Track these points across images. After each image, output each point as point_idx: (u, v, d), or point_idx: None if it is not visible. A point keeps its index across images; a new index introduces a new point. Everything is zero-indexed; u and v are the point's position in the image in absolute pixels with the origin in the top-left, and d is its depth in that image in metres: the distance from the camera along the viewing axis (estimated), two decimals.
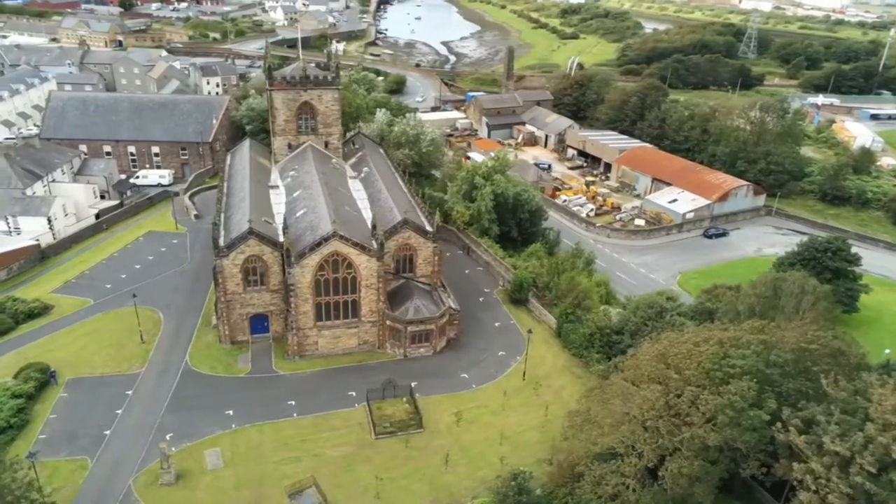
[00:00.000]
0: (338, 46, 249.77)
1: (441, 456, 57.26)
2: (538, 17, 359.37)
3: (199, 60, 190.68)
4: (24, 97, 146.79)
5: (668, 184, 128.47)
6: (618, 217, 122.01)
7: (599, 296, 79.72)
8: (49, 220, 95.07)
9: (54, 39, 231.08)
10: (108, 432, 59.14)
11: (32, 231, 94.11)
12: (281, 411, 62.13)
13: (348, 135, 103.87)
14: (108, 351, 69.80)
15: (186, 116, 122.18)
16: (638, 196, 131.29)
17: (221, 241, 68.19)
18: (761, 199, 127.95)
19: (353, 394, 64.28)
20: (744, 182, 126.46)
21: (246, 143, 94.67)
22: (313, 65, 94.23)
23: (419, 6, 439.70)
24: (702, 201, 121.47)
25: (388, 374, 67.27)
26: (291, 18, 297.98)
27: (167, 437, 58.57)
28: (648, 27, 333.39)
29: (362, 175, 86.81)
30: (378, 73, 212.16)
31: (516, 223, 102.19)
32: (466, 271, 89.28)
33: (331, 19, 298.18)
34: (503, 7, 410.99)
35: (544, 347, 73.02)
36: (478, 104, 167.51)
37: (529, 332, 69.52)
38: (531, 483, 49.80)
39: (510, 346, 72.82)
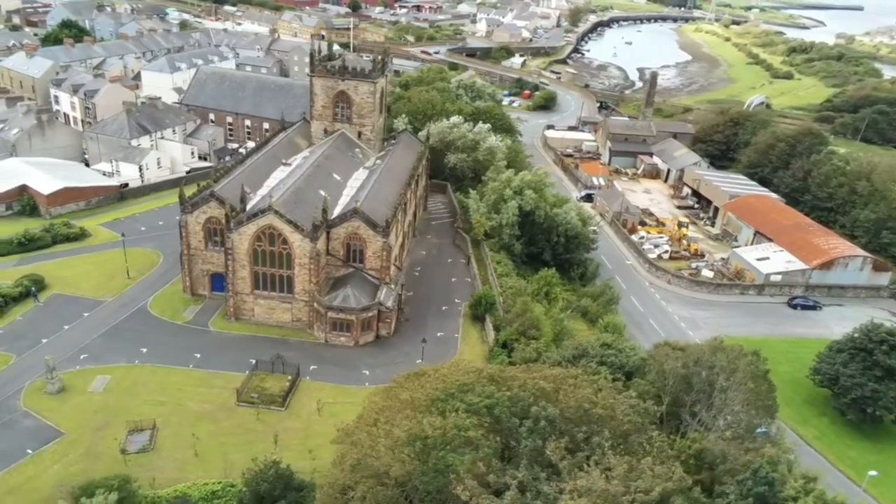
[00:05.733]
0: (514, 60, 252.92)
1: (281, 436, 57.44)
2: (757, 53, 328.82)
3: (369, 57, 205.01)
4: None
5: (770, 239, 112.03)
6: (693, 265, 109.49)
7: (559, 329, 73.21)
8: (140, 169, 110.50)
9: (274, 30, 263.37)
10: (44, 340, 68.11)
11: (127, 175, 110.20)
12: (182, 360, 66.48)
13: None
14: (99, 279, 79.89)
15: (297, 99, 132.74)
16: (737, 248, 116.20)
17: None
18: (885, 278, 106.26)
19: (254, 361, 66.58)
20: (861, 252, 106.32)
21: (297, 125, 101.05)
22: (372, 59, 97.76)
23: (639, 31, 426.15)
24: (798, 265, 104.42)
25: (303, 354, 68.99)
26: (490, 31, 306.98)
27: (81, 357, 66.08)
28: (890, 74, 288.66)
29: (374, 167, 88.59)
30: (536, 87, 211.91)
31: (550, 246, 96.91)
32: (453, 279, 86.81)
33: (525, 34, 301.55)
34: (727, 39, 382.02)
35: None
36: (605, 127, 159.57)
37: (423, 340, 66.21)
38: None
39: (436, 357, 69.47)
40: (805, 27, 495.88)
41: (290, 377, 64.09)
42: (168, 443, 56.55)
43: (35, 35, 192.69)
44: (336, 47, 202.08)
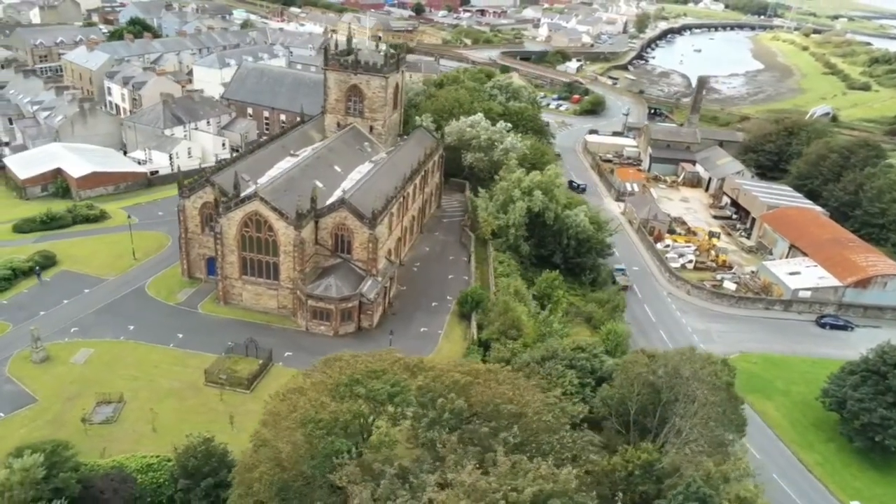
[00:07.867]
0: (569, 64, 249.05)
1: (241, 417, 57.91)
2: (835, 63, 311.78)
3: (413, 57, 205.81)
4: None
5: (805, 254, 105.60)
6: (717, 276, 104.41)
7: (542, 331, 71.06)
8: (171, 157, 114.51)
9: (333, 30, 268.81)
10: (42, 313, 71.27)
11: (159, 163, 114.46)
12: (165, 339, 68.12)
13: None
14: (107, 258, 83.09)
15: None
16: (770, 261, 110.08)
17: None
18: None
19: (232, 344, 67.50)
20: None
21: (314, 118, 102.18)
22: (378, 50, 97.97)
23: (712, 39, 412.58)
24: (831, 281, 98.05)
25: (283, 340, 69.69)
26: (550, 35, 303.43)
27: (71, 330, 68.74)
28: None
29: (380, 160, 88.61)
30: (586, 91, 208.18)
31: (561, 248, 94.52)
32: (450, 277, 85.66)
33: (587, 39, 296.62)
34: (805, 48, 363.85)
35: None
36: (646, 133, 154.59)
37: (391, 333, 65.38)
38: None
39: (413, 351, 67.94)
40: None
41: (260, 361, 64.60)
42: (132, 416, 57.95)
43: (106, 32, 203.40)
44: (382, 45, 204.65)
